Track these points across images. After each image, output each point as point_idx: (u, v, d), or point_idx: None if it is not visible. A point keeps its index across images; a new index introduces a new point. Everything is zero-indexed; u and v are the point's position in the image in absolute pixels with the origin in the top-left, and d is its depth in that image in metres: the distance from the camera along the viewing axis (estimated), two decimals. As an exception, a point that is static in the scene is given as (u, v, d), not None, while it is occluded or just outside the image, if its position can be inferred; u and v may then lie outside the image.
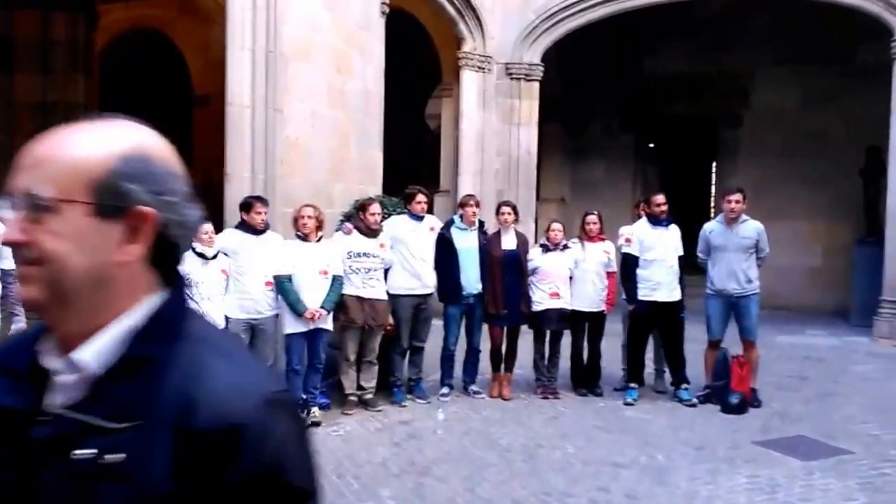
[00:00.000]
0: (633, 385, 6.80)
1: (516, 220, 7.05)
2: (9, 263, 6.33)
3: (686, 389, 6.71)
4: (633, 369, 6.88)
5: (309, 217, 5.91)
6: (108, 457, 0.87)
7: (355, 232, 6.29)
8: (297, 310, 5.77)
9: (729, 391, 6.47)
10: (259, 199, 5.89)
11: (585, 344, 7.05)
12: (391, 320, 6.46)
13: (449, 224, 6.85)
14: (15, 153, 0.94)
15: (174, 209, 0.96)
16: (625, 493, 4.54)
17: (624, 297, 6.92)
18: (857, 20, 10.17)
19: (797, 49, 12.50)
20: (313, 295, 5.84)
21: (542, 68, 11.45)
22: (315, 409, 5.95)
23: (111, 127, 0.97)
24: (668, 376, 7.03)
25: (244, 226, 5.82)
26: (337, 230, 6.45)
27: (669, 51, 13.49)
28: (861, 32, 10.38)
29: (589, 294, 6.89)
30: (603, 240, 7.05)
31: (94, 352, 0.92)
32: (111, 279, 0.93)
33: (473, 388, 6.92)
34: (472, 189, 10.24)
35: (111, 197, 0.92)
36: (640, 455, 5.25)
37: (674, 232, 6.80)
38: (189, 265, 5.62)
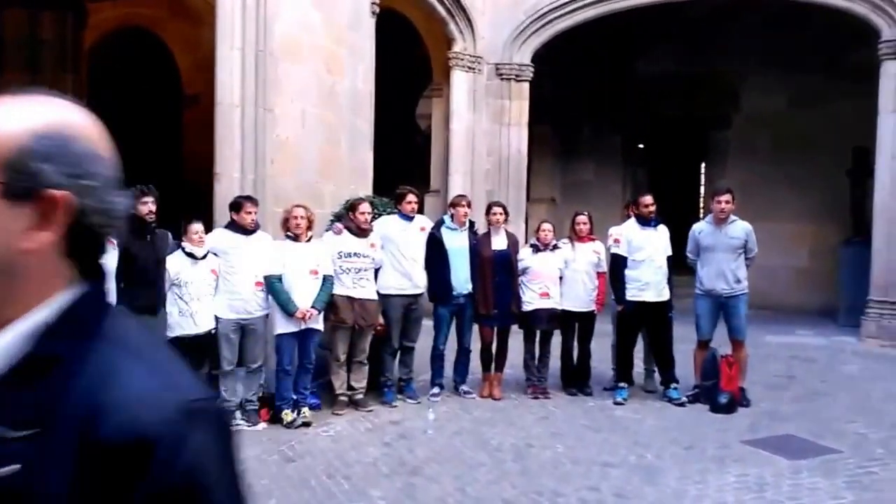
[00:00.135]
0: (622, 385, 6.83)
1: (506, 221, 7.07)
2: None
3: (675, 389, 6.74)
4: (623, 369, 6.91)
5: (302, 217, 5.90)
6: (1, 469, 0.78)
7: (345, 232, 6.29)
8: (287, 310, 5.77)
9: (718, 391, 6.50)
10: (249, 198, 5.88)
11: (575, 344, 7.07)
12: (381, 320, 6.46)
13: (439, 224, 6.85)
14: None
15: (94, 195, 0.86)
16: (614, 492, 4.56)
17: (613, 297, 6.96)
18: (844, 22, 10.24)
19: (785, 51, 12.57)
20: (304, 295, 5.83)
21: (532, 69, 11.47)
22: (305, 410, 5.95)
23: (30, 102, 0.88)
24: (657, 376, 7.06)
25: (234, 226, 5.81)
26: (327, 230, 6.44)
27: (659, 53, 13.55)
28: (848, 34, 10.44)
29: (579, 294, 6.91)
30: (593, 240, 7.07)
31: None
32: (17, 269, 0.83)
33: (464, 387, 6.93)
34: (462, 189, 10.26)
35: (19, 177, 0.82)
36: (630, 454, 5.27)
37: (662, 232, 6.83)
38: (179, 265, 5.62)
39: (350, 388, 6.36)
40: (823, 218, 12.67)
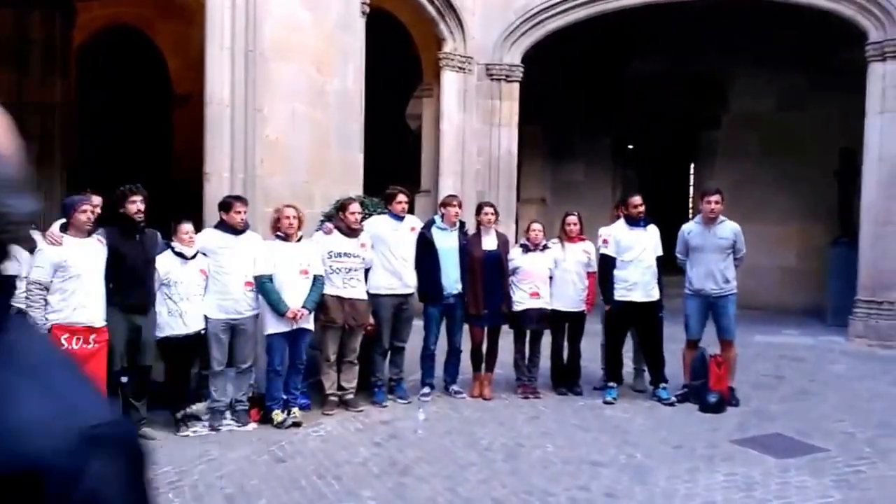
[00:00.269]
0: (611, 384, 6.85)
1: (497, 221, 7.08)
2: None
3: (664, 389, 6.77)
4: (612, 369, 6.93)
5: (293, 217, 5.90)
6: None
7: (336, 232, 6.29)
8: (278, 309, 5.76)
9: (707, 390, 6.53)
10: (239, 198, 5.87)
11: (565, 343, 7.09)
12: (372, 320, 6.45)
13: (430, 224, 6.86)
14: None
15: None
16: (604, 491, 4.57)
17: (602, 297, 6.98)
18: (832, 24, 10.31)
19: (774, 53, 12.65)
20: (294, 295, 5.83)
21: (522, 69, 11.49)
22: (296, 410, 5.94)
23: None
24: (647, 375, 7.09)
25: (224, 225, 5.80)
26: (317, 230, 6.44)
27: (649, 54, 13.59)
28: (836, 36, 10.51)
29: (569, 294, 6.93)
30: (583, 240, 7.09)
31: None
32: None
33: (454, 387, 6.93)
34: (452, 189, 10.27)
35: None
36: (620, 454, 5.29)
37: (652, 233, 6.84)
38: (168, 265, 5.60)
39: (340, 388, 6.36)
40: (811, 218, 12.77)
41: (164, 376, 5.81)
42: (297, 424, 5.82)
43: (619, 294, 6.73)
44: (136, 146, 11.55)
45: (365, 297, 6.35)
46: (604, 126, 14.38)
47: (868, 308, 9.81)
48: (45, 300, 4.96)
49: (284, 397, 5.93)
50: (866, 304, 9.83)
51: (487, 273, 6.77)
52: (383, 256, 6.53)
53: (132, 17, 11.41)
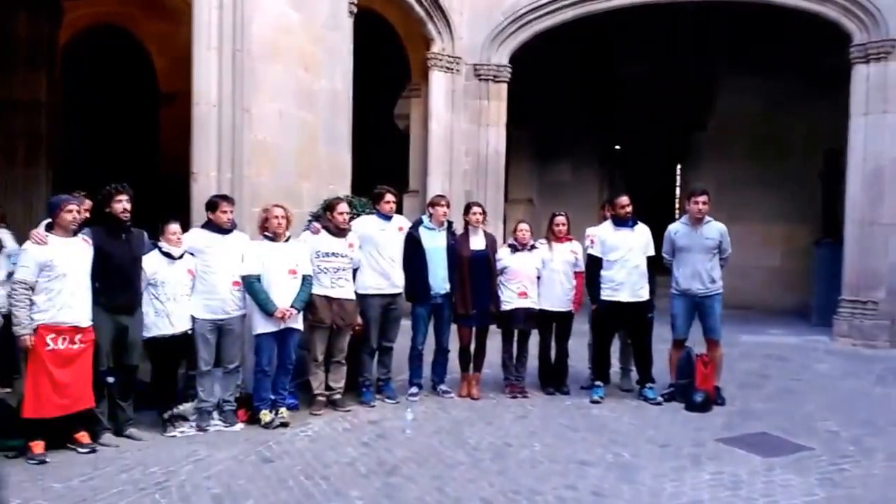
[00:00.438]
0: (598, 383, 6.88)
1: (484, 221, 7.09)
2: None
3: (651, 389, 6.80)
4: (599, 368, 6.96)
5: (282, 217, 5.89)
6: None
7: (323, 232, 6.28)
8: (267, 309, 5.74)
9: (693, 389, 6.57)
10: (225, 198, 5.86)
11: (553, 343, 7.11)
12: (360, 320, 6.45)
13: (417, 224, 6.85)
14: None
15: None
16: (591, 490, 4.59)
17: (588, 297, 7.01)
18: (817, 26, 10.39)
19: (760, 54, 12.75)
20: (282, 295, 5.82)
21: (509, 70, 11.53)
22: (283, 410, 5.93)
23: None
24: (633, 375, 7.12)
25: (211, 225, 5.79)
26: (305, 230, 6.43)
27: (636, 55, 13.66)
28: (822, 38, 10.60)
29: (557, 294, 6.95)
30: (570, 240, 7.11)
31: None
32: None
33: (442, 387, 6.94)
34: (440, 189, 10.30)
35: None
36: (607, 453, 5.31)
37: (640, 233, 6.85)
38: (155, 265, 5.58)
39: (328, 388, 6.35)
40: (796, 219, 12.89)
41: (151, 376, 5.78)
42: (284, 424, 5.81)
43: (606, 294, 6.75)
44: (123, 145, 11.49)
45: (353, 297, 6.35)
46: (591, 127, 14.43)
47: (852, 308, 9.90)
48: (31, 300, 4.93)
49: (272, 397, 5.91)
50: (850, 303, 9.92)
51: (475, 273, 6.78)
52: (371, 256, 6.52)
53: (119, 16, 11.34)
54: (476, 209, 6.98)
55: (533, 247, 6.99)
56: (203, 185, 6.20)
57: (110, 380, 5.37)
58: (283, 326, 5.83)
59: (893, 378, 7.94)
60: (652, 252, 6.86)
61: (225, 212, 5.74)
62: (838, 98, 10.12)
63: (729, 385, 7.01)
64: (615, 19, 11.76)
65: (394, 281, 6.60)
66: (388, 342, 6.74)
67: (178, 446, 5.31)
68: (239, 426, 5.79)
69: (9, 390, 6.28)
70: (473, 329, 6.89)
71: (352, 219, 6.51)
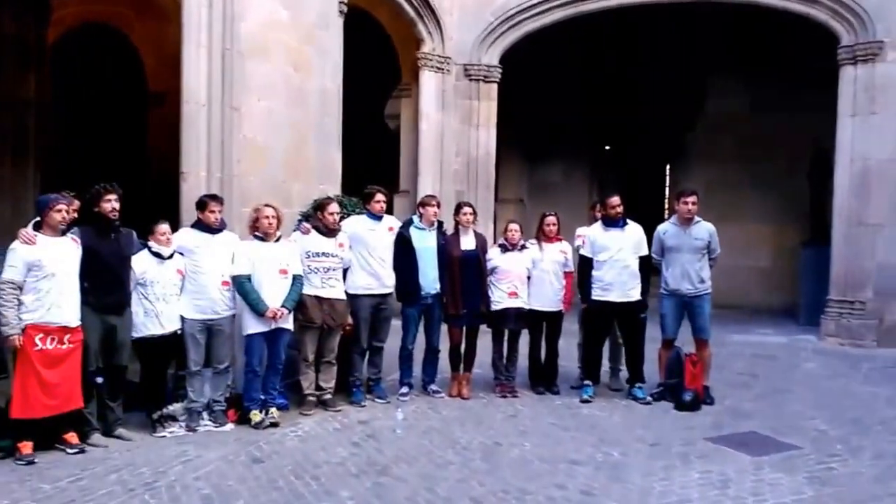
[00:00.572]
0: (587, 382, 6.90)
1: (475, 221, 7.10)
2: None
3: (640, 388, 6.82)
4: (589, 368, 6.97)
5: (273, 217, 5.88)
6: None
7: (314, 231, 6.27)
8: (258, 309, 5.73)
9: (682, 389, 6.60)
10: (214, 197, 5.84)
11: (543, 343, 7.12)
12: (350, 320, 6.44)
13: (408, 224, 6.85)
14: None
15: None
16: (581, 489, 4.61)
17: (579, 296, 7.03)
18: (806, 27, 10.44)
19: (749, 55, 12.82)
20: (273, 294, 5.81)
21: (500, 70, 11.54)
22: (273, 410, 5.91)
23: None
24: (623, 374, 7.14)
25: (200, 224, 5.77)
26: (295, 230, 6.41)
27: (626, 55, 13.70)
28: (810, 40, 10.66)
29: (547, 294, 6.96)
30: (560, 240, 7.12)
31: None
32: None
33: (433, 387, 6.95)
34: (431, 189, 10.29)
35: None
36: (596, 452, 5.33)
37: (631, 233, 6.85)
38: (145, 264, 5.56)
39: (318, 388, 6.34)
40: (785, 219, 12.96)
41: (140, 377, 5.76)
42: (274, 425, 5.80)
43: (596, 294, 6.77)
44: (112, 144, 11.42)
45: (343, 296, 6.34)
46: (581, 128, 14.46)
47: (840, 307, 9.96)
48: (19, 300, 4.90)
49: (262, 397, 5.90)
50: (838, 303, 9.99)
51: (465, 273, 6.79)
52: (361, 256, 6.52)
53: (107, 15, 11.27)
54: (466, 209, 6.99)
55: (523, 247, 7.00)
56: (192, 185, 6.18)
57: (99, 380, 5.35)
58: (273, 326, 5.82)
59: (881, 377, 8.00)
60: (645, 251, 6.87)
61: (213, 211, 5.73)
62: (826, 99, 10.18)
63: (718, 384, 7.04)
64: (605, 20, 11.79)
65: (384, 281, 6.60)
66: (379, 342, 6.74)
67: (168, 447, 5.29)
68: (229, 426, 5.78)
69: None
70: (464, 329, 6.90)
71: (342, 219, 6.50)
